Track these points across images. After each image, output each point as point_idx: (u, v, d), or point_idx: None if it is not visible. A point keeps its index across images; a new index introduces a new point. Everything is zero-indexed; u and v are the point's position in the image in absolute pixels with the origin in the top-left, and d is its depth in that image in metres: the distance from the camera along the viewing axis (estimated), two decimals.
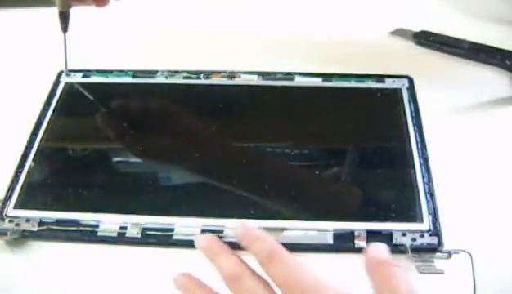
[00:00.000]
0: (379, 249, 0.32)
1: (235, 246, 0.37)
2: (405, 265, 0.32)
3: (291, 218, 0.38)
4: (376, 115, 0.45)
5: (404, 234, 0.37)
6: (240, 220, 0.38)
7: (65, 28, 0.43)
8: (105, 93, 0.48)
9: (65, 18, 0.43)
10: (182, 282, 0.34)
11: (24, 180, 0.41)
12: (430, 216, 0.38)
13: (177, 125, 0.46)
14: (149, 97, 0.48)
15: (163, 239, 0.38)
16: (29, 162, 0.43)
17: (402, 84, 0.47)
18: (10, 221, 0.39)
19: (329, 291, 0.29)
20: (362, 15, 0.55)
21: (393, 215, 0.38)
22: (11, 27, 0.56)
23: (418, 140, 0.42)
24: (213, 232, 0.38)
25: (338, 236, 0.37)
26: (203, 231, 0.38)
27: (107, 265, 0.38)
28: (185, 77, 0.49)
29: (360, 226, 0.37)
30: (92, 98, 0.48)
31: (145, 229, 0.38)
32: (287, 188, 0.41)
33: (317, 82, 0.48)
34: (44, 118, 0.46)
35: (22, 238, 0.39)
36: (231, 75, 0.48)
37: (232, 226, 0.37)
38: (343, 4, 0.56)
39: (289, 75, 0.48)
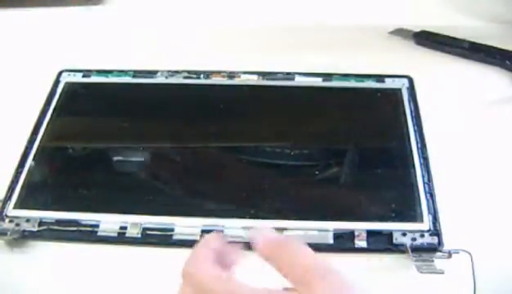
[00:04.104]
0: (268, 232, 0.28)
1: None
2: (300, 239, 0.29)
3: (291, 218, 0.38)
4: (376, 115, 0.45)
5: (404, 234, 0.37)
6: (240, 220, 0.38)
7: None
8: (105, 93, 0.48)
9: None
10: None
11: (24, 180, 0.41)
12: (430, 216, 0.38)
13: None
14: (149, 97, 0.48)
15: (163, 239, 0.38)
16: (29, 161, 0.43)
17: (402, 84, 0.47)
18: (10, 221, 0.39)
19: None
20: (362, 14, 0.55)
21: (393, 215, 0.38)
22: (11, 27, 0.56)
23: (418, 140, 0.42)
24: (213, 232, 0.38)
25: (338, 236, 0.37)
26: (203, 231, 0.38)
27: (107, 265, 0.38)
28: (185, 77, 0.49)
29: (360, 226, 0.37)
30: (91, 98, 0.48)
31: (145, 229, 0.38)
32: (287, 188, 0.41)
33: (317, 82, 0.47)
34: (44, 117, 0.46)
35: (22, 238, 0.39)
36: (231, 75, 0.48)
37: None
38: (342, 4, 0.56)
39: (289, 75, 0.48)
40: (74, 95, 0.48)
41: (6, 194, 0.41)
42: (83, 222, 0.39)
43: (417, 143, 0.42)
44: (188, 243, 0.37)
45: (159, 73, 0.49)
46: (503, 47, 0.49)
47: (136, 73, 0.49)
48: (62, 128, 0.46)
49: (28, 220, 0.39)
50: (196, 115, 0.46)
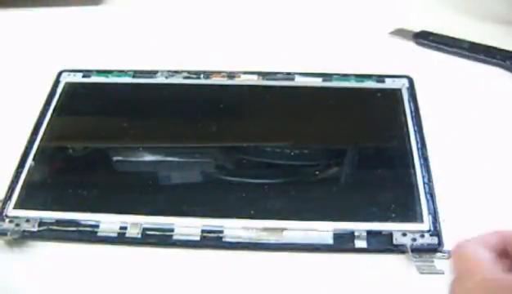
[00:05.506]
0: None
1: (235, 246, 0.37)
2: None
3: (291, 218, 0.38)
4: (376, 115, 0.45)
5: (404, 234, 0.37)
6: (240, 220, 0.38)
7: None
8: (105, 93, 0.48)
9: None
10: None
11: (24, 180, 0.41)
12: (430, 216, 0.38)
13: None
14: (149, 97, 0.48)
15: (163, 239, 0.38)
16: (29, 161, 0.42)
17: (402, 84, 0.47)
18: (10, 221, 0.39)
19: None
20: (362, 15, 0.55)
21: (393, 215, 0.38)
22: (11, 27, 0.56)
23: (418, 139, 0.42)
24: (213, 232, 0.38)
25: (338, 236, 0.37)
26: (203, 231, 0.38)
27: (107, 265, 0.38)
28: (185, 78, 0.49)
29: (360, 226, 0.37)
30: (91, 98, 0.48)
31: (145, 229, 0.38)
32: (287, 188, 0.41)
33: (317, 82, 0.47)
34: (44, 117, 0.46)
35: (22, 238, 0.39)
36: (231, 75, 0.48)
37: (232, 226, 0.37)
38: (343, 4, 0.56)
39: (289, 75, 0.48)
40: (74, 95, 0.48)
41: (6, 194, 0.41)
42: (83, 222, 0.39)
43: (417, 143, 0.42)
44: (188, 244, 0.38)
45: (159, 73, 0.49)
46: (503, 47, 0.49)
47: (137, 73, 0.49)
48: (62, 128, 0.46)
49: (28, 221, 0.39)
50: (196, 115, 0.46)
